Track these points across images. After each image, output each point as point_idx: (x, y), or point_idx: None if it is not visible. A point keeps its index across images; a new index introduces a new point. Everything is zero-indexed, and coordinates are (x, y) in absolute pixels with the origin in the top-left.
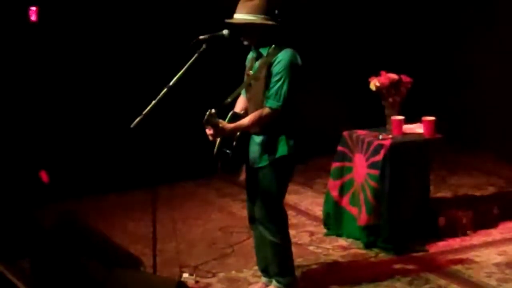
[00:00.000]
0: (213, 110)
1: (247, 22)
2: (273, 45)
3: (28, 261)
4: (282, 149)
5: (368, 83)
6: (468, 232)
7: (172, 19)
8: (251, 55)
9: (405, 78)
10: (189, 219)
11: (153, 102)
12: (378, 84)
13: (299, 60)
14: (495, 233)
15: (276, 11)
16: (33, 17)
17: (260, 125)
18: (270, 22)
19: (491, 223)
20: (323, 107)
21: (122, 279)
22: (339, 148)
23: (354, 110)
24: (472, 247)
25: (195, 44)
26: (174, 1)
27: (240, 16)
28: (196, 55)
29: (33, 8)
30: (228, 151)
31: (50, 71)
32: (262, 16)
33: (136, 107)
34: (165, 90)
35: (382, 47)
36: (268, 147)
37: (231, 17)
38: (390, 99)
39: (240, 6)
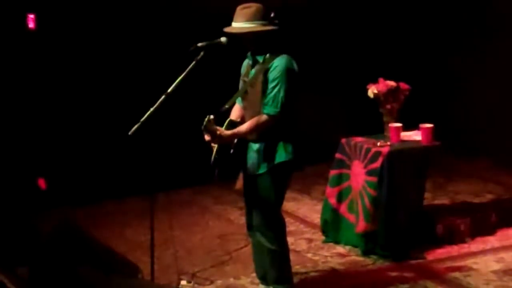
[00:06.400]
0: (211, 117)
1: (246, 30)
2: (269, 52)
3: (26, 268)
4: (280, 156)
5: (366, 90)
6: (466, 239)
7: (170, 27)
8: (246, 62)
9: (403, 85)
10: (187, 226)
11: (151, 109)
12: (376, 91)
13: (295, 66)
14: (493, 240)
15: (272, 14)
16: (31, 25)
17: (257, 132)
18: (268, 28)
19: (489, 230)
20: (321, 114)
21: (120, 286)
22: (337, 155)
23: (352, 117)
24: (470, 254)
25: (193, 51)
26: (172, 8)
27: (239, 24)
28: (194, 62)
29: (31, 16)
30: (225, 158)
31: (48, 78)
32: (260, 22)
33: (134, 114)
34: (163, 97)
35: (380, 55)
36: (266, 154)
37: (229, 24)
38: (388, 106)
39: (237, 15)
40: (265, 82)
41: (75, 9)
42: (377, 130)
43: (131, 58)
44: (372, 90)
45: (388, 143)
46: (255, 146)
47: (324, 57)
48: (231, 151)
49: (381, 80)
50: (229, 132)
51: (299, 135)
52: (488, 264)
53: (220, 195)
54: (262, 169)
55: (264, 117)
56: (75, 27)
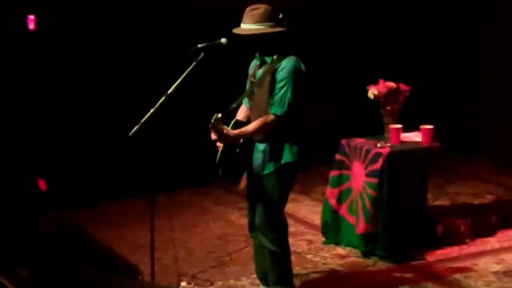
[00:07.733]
0: (219, 115)
1: (255, 32)
2: (278, 53)
3: (26, 269)
4: (286, 156)
5: (367, 91)
6: (467, 240)
7: (170, 28)
8: (254, 62)
9: (403, 87)
10: (187, 227)
11: (152, 110)
12: (376, 92)
13: (303, 67)
14: (493, 242)
15: (281, 15)
16: (31, 26)
17: (264, 132)
18: (277, 29)
19: (489, 232)
20: (321, 115)
21: (120, 287)
22: (337, 156)
23: (352, 118)
24: (470, 256)
25: (193, 52)
26: (172, 9)
27: (247, 26)
28: (194, 63)
29: (31, 17)
30: (230, 158)
31: (48, 79)
32: (269, 23)
33: (135, 116)
34: (163, 98)
35: (380, 56)
36: (272, 155)
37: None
38: (388, 108)
39: (246, 16)
40: (273, 82)
41: (75, 10)
42: (377, 131)
43: (132, 59)
44: (372, 91)
45: (388, 144)
46: (261, 147)
47: (324, 58)
48: (237, 150)
49: (381, 81)
50: (235, 131)
51: (305, 136)
52: (488, 265)
53: (220, 196)
54: (268, 170)
55: (270, 117)
56: (76, 28)
